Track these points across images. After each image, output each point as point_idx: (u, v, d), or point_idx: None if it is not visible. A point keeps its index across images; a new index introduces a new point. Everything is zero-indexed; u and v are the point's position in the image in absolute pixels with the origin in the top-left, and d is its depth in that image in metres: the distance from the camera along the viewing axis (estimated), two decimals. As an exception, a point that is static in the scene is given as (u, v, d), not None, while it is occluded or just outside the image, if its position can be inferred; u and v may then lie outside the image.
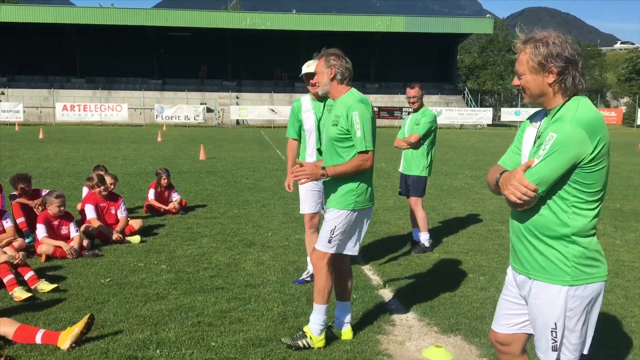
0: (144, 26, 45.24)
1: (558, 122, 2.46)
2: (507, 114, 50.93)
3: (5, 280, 5.18)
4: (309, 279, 5.70)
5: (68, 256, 6.45)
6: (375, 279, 5.92)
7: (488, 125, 46.56)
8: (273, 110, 42.82)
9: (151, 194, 9.15)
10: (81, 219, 7.63)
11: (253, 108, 43.32)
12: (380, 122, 38.53)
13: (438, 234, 7.96)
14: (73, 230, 6.82)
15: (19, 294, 5.08)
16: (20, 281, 5.31)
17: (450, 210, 9.94)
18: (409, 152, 7.12)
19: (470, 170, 16.01)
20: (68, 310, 4.89)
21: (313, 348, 4.16)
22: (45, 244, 6.49)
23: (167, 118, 41.28)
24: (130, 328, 4.49)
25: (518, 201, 2.49)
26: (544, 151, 2.42)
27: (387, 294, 5.49)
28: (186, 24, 44.97)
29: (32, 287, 5.30)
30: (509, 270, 2.84)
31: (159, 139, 25.92)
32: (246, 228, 8.18)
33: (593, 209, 2.52)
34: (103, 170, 8.65)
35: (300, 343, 4.15)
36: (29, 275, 5.38)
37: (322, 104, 5.43)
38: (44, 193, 7.45)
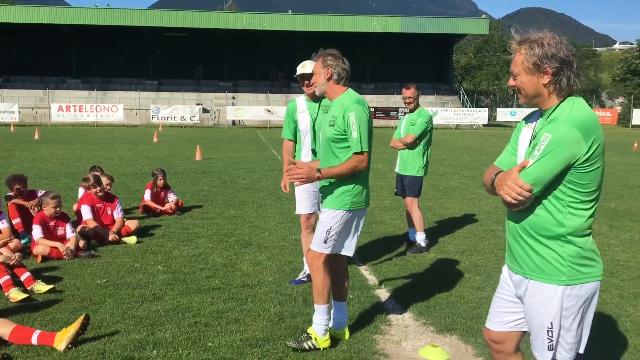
0: (140, 27, 45.19)
1: (553, 122, 2.48)
2: (503, 114, 51.05)
3: (1, 281, 5.17)
4: (305, 279, 5.71)
5: (64, 257, 6.44)
6: (372, 279, 5.93)
7: (484, 125, 46.67)
8: (269, 111, 42.82)
9: (147, 195, 9.14)
10: (77, 220, 7.62)
11: (249, 108, 43.30)
12: (376, 122, 38.57)
13: (434, 234, 7.98)
14: (69, 231, 6.82)
15: (15, 294, 5.07)
16: (17, 282, 5.30)
17: (446, 210, 9.96)
18: (405, 152, 7.13)
19: (466, 171, 16.04)
20: (64, 311, 4.88)
21: (319, 349, 4.16)
22: (41, 245, 6.49)
23: (163, 119, 41.23)
24: (127, 329, 4.49)
25: (513, 201, 2.50)
26: (539, 151, 2.44)
27: (383, 293, 5.50)
28: (182, 25, 44.94)
29: (29, 288, 5.29)
30: (504, 269, 2.85)
31: (155, 140, 25.88)
32: (243, 228, 8.18)
33: (588, 209, 2.54)
34: (99, 171, 8.64)
35: (305, 345, 4.14)
36: (25, 276, 5.37)
37: (317, 105, 5.45)
38: (39, 194, 7.44)
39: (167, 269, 6.13)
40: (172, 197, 9.31)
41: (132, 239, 7.26)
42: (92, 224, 7.24)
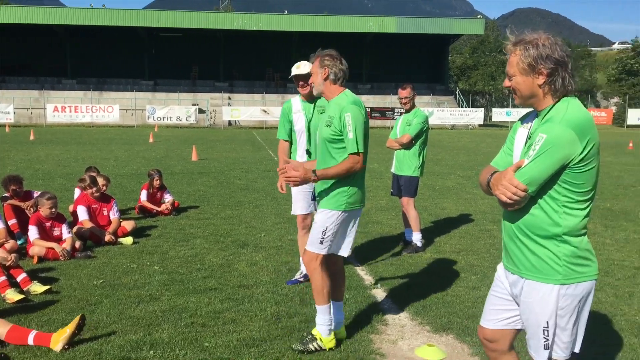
0: (136, 27, 45.13)
1: (548, 122, 2.49)
2: (499, 115, 51.21)
3: (-3, 282, 5.16)
4: (302, 279, 5.71)
5: (60, 258, 6.43)
6: (368, 279, 5.94)
7: (479, 125, 46.79)
8: (265, 111, 42.83)
9: (143, 195, 9.13)
10: (73, 221, 7.60)
11: (245, 109, 43.31)
12: (372, 122, 38.58)
13: (430, 233, 7.99)
14: (65, 232, 6.81)
15: (12, 295, 5.06)
16: (13, 283, 5.30)
17: (442, 210, 9.98)
18: (401, 152, 7.15)
19: (462, 171, 16.08)
20: (61, 311, 4.88)
21: (325, 350, 4.15)
22: (37, 246, 6.47)
23: (159, 119, 41.19)
24: (124, 329, 4.49)
25: (508, 201, 2.52)
26: (534, 151, 2.46)
27: (379, 293, 5.51)
28: (178, 25, 44.91)
29: (25, 289, 5.28)
30: (499, 267, 2.87)
31: (151, 140, 25.85)
32: (239, 229, 8.18)
33: (584, 209, 2.55)
34: (95, 171, 8.63)
35: (311, 347, 4.12)
36: (21, 277, 5.36)
37: (313, 106, 5.46)
38: (35, 195, 7.43)
39: (164, 270, 6.13)
40: (168, 198, 9.30)
41: (128, 240, 7.25)
42: (88, 225, 7.23)
